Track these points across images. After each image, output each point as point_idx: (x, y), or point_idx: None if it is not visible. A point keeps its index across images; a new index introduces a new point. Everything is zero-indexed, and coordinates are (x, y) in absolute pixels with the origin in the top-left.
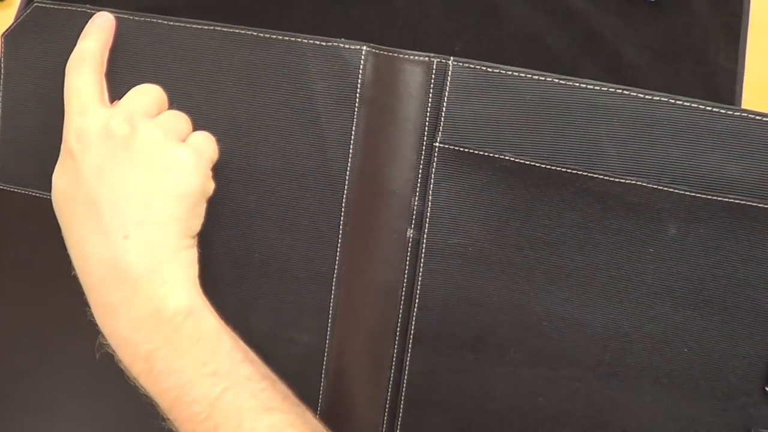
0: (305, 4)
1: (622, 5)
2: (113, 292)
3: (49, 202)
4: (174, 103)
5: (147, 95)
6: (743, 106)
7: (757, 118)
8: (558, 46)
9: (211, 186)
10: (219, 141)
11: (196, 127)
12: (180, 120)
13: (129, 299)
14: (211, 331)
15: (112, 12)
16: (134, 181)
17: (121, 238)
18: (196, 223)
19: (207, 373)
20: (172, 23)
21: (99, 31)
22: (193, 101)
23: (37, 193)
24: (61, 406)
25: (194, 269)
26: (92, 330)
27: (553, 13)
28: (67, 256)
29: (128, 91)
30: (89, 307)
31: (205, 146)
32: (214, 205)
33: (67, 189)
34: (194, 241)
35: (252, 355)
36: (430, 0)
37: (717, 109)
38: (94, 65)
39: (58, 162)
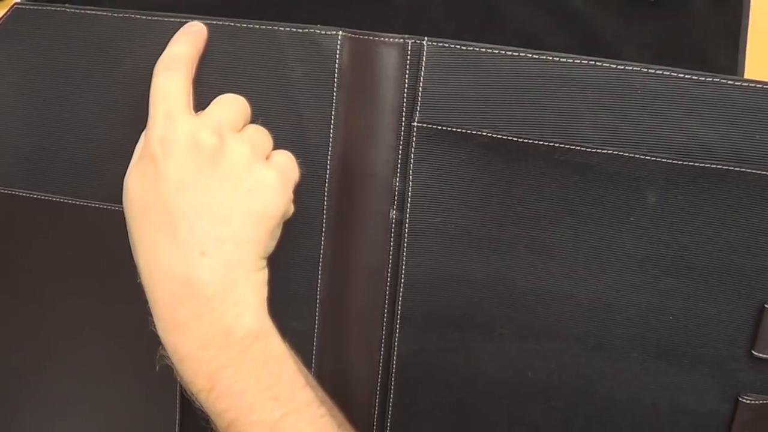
0: (305, 5)
1: (622, 5)
2: (182, 308)
3: (36, 201)
4: (258, 118)
5: (235, 106)
6: None
7: (731, 83)
8: (558, 46)
9: (291, 209)
10: None
11: None
12: (265, 137)
13: (198, 317)
14: (277, 356)
15: (91, 10)
16: (217, 197)
17: (198, 254)
18: (272, 245)
19: (269, 397)
20: (151, 18)
21: (191, 37)
22: None
23: (23, 193)
24: (54, 407)
25: (265, 291)
26: (87, 329)
27: (553, 13)
28: (61, 255)
29: (114, 90)
30: (151, 317)
31: (289, 168)
32: None
33: (142, 194)
34: (266, 263)
35: (312, 379)
36: (430, 0)
37: (690, 76)
38: (185, 70)
39: (134, 163)
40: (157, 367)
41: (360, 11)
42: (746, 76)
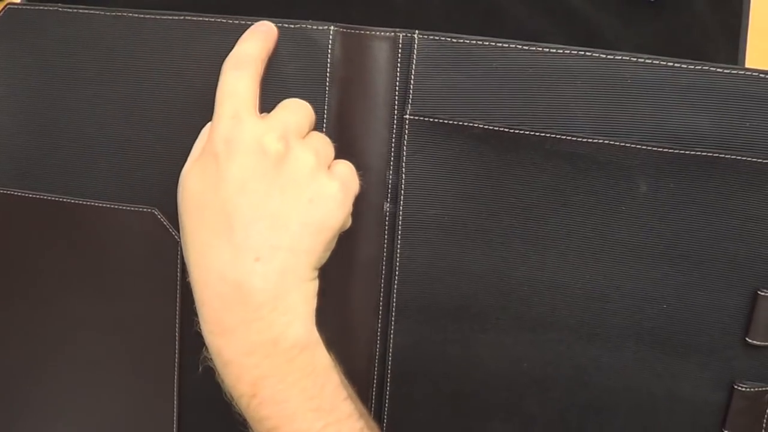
0: (305, 5)
1: (622, 5)
2: (231, 313)
3: (31, 201)
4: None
5: (301, 112)
6: None
7: (720, 71)
8: None
9: (349, 222)
10: (196, 129)
11: (170, 116)
12: (328, 146)
13: (247, 323)
14: (322, 367)
15: (84, 9)
16: (277, 203)
17: (252, 260)
18: (326, 256)
19: (311, 407)
20: (143, 16)
21: (262, 36)
22: (165, 91)
23: (18, 192)
24: (52, 405)
25: (314, 302)
26: (84, 327)
27: (553, 13)
28: (54, 254)
29: (108, 88)
30: (197, 317)
31: (351, 180)
32: None
33: (201, 192)
34: (317, 274)
35: (352, 391)
36: (430, 0)
37: (680, 65)
38: (254, 70)
39: (194, 159)
40: (200, 368)
41: (360, 11)
42: None
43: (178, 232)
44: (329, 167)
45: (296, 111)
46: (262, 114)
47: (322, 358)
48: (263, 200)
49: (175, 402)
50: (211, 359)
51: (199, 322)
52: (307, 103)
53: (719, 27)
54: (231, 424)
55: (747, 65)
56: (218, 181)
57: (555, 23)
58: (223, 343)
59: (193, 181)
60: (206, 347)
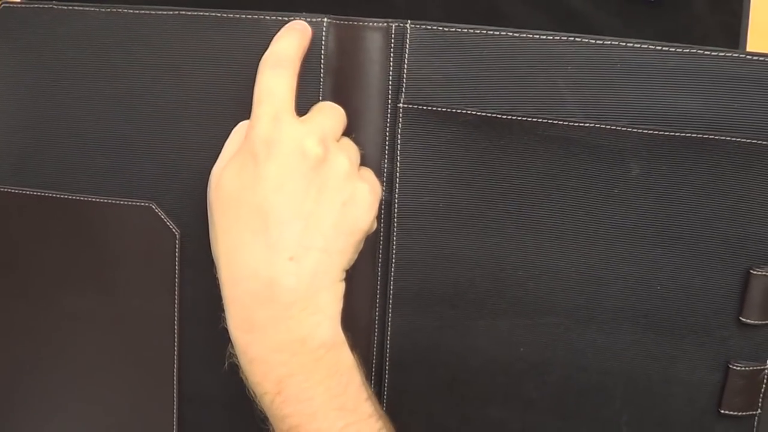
0: (305, 5)
1: (622, 5)
2: (261, 310)
3: (27, 197)
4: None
5: (337, 117)
6: None
7: (707, 53)
8: None
9: (375, 225)
10: (191, 123)
11: (166, 111)
12: (357, 151)
13: (276, 321)
14: (347, 367)
15: (79, 6)
16: (313, 205)
17: (286, 259)
18: (354, 258)
19: (335, 406)
20: (137, 11)
21: (297, 35)
22: (162, 86)
23: (14, 189)
24: (50, 402)
25: (341, 303)
26: (81, 323)
27: (552, 13)
28: (51, 251)
29: (103, 84)
30: (223, 312)
31: (376, 185)
32: (191, 182)
33: (237, 190)
34: (345, 275)
35: (371, 392)
36: (430, 0)
37: (667, 48)
38: (293, 70)
39: (229, 157)
40: (226, 364)
41: (360, 11)
42: None
43: (176, 225)
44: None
45: (332, 116)
46: (301, 117)
47: (346, 359)
48: (300, 201)
49: (174, 396)
50: (235, 356)
51: (225, 319)
52: (341, 108)
53: (719, 27)
54: (230, 418)
55: None
56: (256, 180)
57: (555, 23)
58: (251, 340)
59: (229, 179)
60: (231, 344)
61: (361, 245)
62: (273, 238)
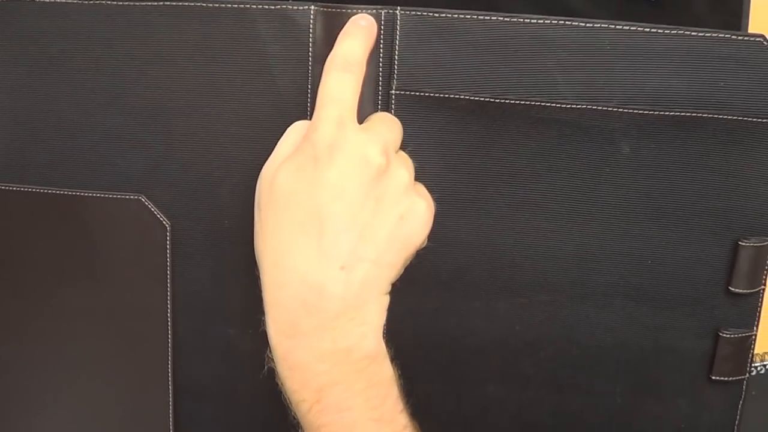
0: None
1: (622, 5)
2: (308, 317)
3: (13, 193)
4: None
5: (397, 129)
6: None
7: (695, 34)
8: None
9: (425, 241)
10: (179, 115)
11: (152, 102)
12: (412, 165)
13: (322, 329)
14: (387, 379)
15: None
16: (370, 215)
17: (337, 267)
18: (400, 272)
19: (373, 417)
20: (121, 3)
21: (365, 33)
22: (149, 78)
23: (1, 186)
24: (44, 397)
25: (385, 315)
26: (73, 318)
27: (552, 13)
28: (41, 246)
29: (87, 77)
30: (263, 316)
31: (431, 202)
32: (180, 174)
33: (293, 192)
34: (391, 288)
35: (405, 403)
36: (430, 0)
37: (655, 30)
38: (360, 74)
39: (289, 157)
40: (265, 369)
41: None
42: None
43: (167, 217)
44: None
45: (393, 127)
46: (362, 124)
47: (387, 371)
48: (357, 210)
49: (170, 387)
50: (273, 360)
51: (266, 322)
52: (398, 121)
53: (719, 27)
54: (226, 408)
55: None
56: (315, 184)
57: None
58: (294, 346)
59: (286, 180)
60: (270, 348)
61: (409, 261)
62: (326, 245)
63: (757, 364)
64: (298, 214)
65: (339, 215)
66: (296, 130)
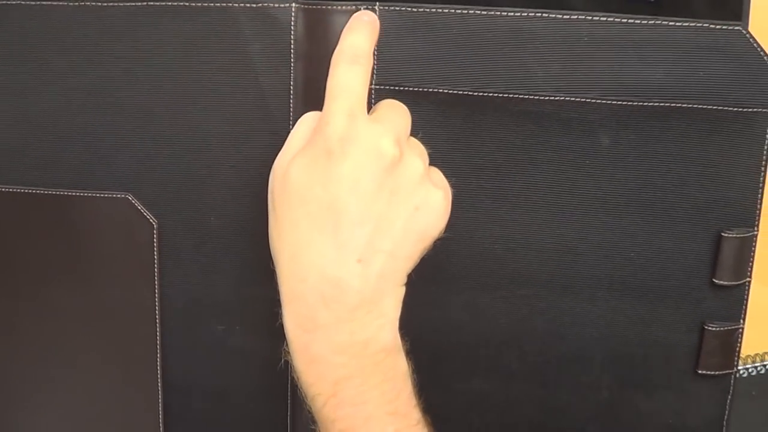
0: None
1: (622, 5)
2: (327, 310)
3: (2, 195)
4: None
5: (406, 115)
6: None
7: (672, 24)
8: None
9: (443, 231)
10: (165, 114)
11: (138, 102)
12: (425, 152)
13: (340, 322)
14: (402, 372)
15: (47, 1)
16: (385, 207)
17: (354, 260)
18: (417, 263)
19: (388, 411)
20: (105, 4)
21: (369, 28)
22: (134, 78)
23: None
24: (31, 396)
25: (400, 308)
26: (61, 318)
27: None
28: (30, 246)
29: (74, 78)
30: (281, 309)
31: (449, 189)
32: (166, 173)
33: (307, 186)
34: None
35: (418, 399)
36: (429, 0)
37: (633, 20)
38: (368, 66)
39: (301, 150)
40: (282, 362)
41: None
42: None
43: (154, 215)
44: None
45: (402, 114)
46: (371, 114)
47: (402, 364)
48: (371, 202)
49: (159, 384)
50: (289, 353)
51: (282, 316)
52: (406, 107)
53: None
54: (215, 404)
55: None
56: (328, 177)
57: None
58: (313, 339)
59: (299, 174)
60: (287, 342)
61: (427, 250)
62: (342, 238)
63: (757, 364)
64: (314, 209)
65: (354, 208)
66: (306, 122)
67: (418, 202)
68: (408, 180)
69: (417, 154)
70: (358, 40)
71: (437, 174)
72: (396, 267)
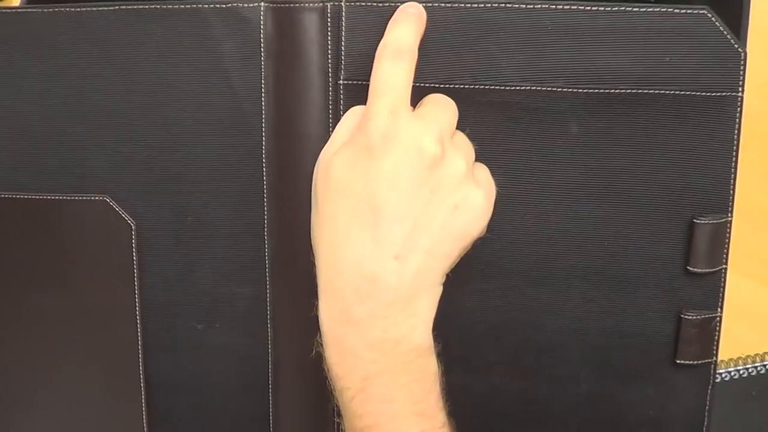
0: None
1: (622, 5)
2: (362, 305)
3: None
4: None
5: (451, 111)
6: (745, 107)
7: (636, 10)
8: None
9: (484, 231)
10: (139, 116)
11: (114, 105)
12: (471, 149)
13: (374, 318)
14: (431, 373)
15: (21, 8)
16: (424, 205)
17: (391, 257)
18: (455, 263)
19: (415, 411)
20: (80, 9)
21: (415, 20)
22: (107, 81)
23: None
24: (13, 398)
25: (435, 308)
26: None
27: None
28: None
29: (51, 83)
30: (317, 300)
31: (492, 188)
32: (142, 174)
33: (348, 180)
34: (444, 279)
35: (444, 401)
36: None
37: (596, 8)
38: (412, 61)
39: (344, 145)
40: (313, 352)
41: None
42: (747, 76)
43: (131, 217)
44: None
45: (447, 110)
46: (416, 110)
47: (432, 366)
48: (411, 200)
49: (141, 384)
50: (321, 345)
51: (318, 307)
52: (453, 101)
53: None
54: (198, 403)
55: (747, 65)
56: (369, 173)
57: None
58: (347, 333)
59: (341, 168)
60: (320, 333)
61: (467, 250)
62: (381, 234)
63: (757, 364)
64: (353, 203)
65: (393, 205)
66: (352, 115)
67: (457, 201)
68: (449, 178)
69: (460, 152)
70: (402, 34)
71: (482, 173)
72: (433, 266)
